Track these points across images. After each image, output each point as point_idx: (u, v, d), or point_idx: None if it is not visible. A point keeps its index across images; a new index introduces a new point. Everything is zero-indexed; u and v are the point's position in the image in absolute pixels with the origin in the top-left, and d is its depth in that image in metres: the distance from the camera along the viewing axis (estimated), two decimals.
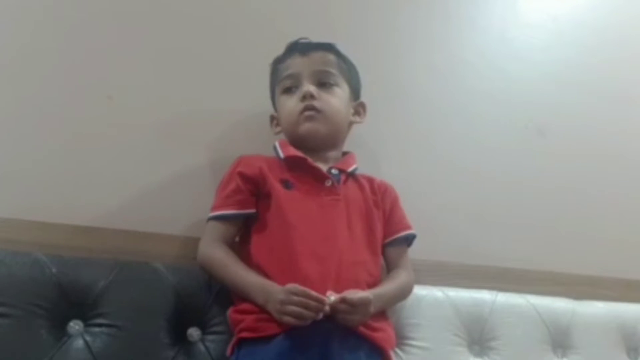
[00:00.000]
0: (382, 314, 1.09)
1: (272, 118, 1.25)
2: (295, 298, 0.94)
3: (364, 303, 0.99)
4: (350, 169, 1.18)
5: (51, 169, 1.19)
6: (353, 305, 0.97)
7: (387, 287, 1.12)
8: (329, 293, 0.98)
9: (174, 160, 1.26)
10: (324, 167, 1.15)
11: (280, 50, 1.23)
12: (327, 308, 0.96)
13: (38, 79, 1.21)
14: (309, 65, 1.18)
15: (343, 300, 0.97)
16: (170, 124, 1.27)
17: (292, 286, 0.96)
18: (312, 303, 0.94)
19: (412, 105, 1.47)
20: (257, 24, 1.35)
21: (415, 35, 1.50)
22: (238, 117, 1.31)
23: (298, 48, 1.20)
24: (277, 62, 1.23)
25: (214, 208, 1.12)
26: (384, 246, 1.19)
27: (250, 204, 1.11)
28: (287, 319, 0.95)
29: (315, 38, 1.23)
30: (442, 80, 1.50)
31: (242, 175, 1.11)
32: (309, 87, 1.15)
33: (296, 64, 1.18)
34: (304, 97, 1.15)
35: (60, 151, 1.20)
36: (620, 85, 1.66)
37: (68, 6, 1.25)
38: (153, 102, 1.27)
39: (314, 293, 0.95)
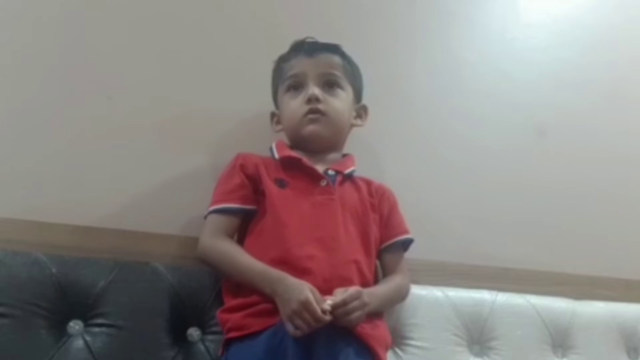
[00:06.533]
0: (375, 314, 1.08)
1: (273, 115, 1.25)
2: (306, 315, 0.94)
3: (354, 297, 0.98)
4: (347, 171, 1.18)
5: (51, 169, 1.19)
6: (346, 303, 0.97)
7: (381, 287, 1.12)
8: (327, 300, 0.97)
9: (174, 160, 1.26)
10: (321, 168, 1.15)
11: (279, 50, 1.24)
12: (327, 318, 0.96)
13: (38, 79, 1.21)
14: (315, 66, 1.17)
15: (336, 307, 0.96)
16: (170, 124, 1.27)
17: (307, 299, 0.95)
18: (313, 324, 0.94)
19: (412, 105, 1.47)
20: (257, 25, 1.35)
21: (415, 35, 1.50)
22: (238, 117, 1.31)
23: (304, 48, 1.20)
24: (282, 61, 1.22)
25: (215, 202, 1.11)
26: (381, 251, 1.18)
27: (251, 200, 1.11)
28: (290, 327, 0.95)
29: (315, 38, 1.23)
30: (442, 80, 1.50)
31: (244, 171, 1.12)
32: (315, 90, 1.15)
33: (302, 64, 1.18)
34: (309, 100, 1.15)
35: (60, 151, 1.20)
36: (621, 85, 1.66)
37: (68, 6, 1.25)
38: (153, 102, 1.27)
39: (319, 314, 0.95)
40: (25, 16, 1.22)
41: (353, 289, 0.99)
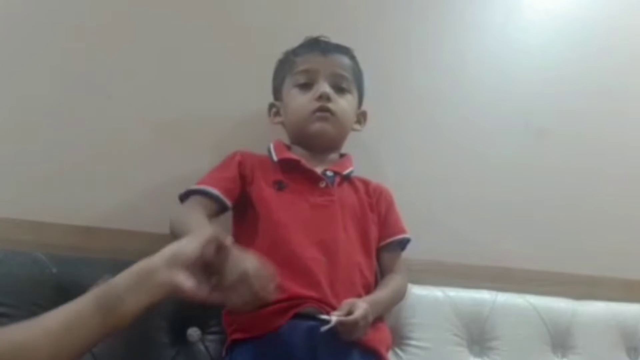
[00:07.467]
0: (377, 318, 1.07)
1: (272, 106, 1.23)
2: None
3: (363, 317, 0.97)
4: (345, 172, 1.17)
5: (51, 169, 1.19)
6: (357, 323, 0.96)
7: (382, 294, 1.11)
8: (333, 315, 0.97)
9: (174, 160, 1.26)
10: (319, 169, 1.15)
11: (279, 53, 1.23)
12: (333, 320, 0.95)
13: (38, 79, 1.21)
14: (328, 65, 1.17)
15: (344, 324, 0.95)
16: (170, 124, 1.27)
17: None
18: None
19: (412, 105, 1.46)
20: (257, 27, 1.35)
21: (414, 35, 1.49)
22: (238, 117, 1.31)
23: (320, 46, 1.20)
24: (294, 54, 1.21)
25: (200, 182, 1.09)
26: (378, 250, 1.18)
27: (233, 198, 1.09)
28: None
29: (328, 37, 1.23)
30: (441, 80, 1.50)
31: (240, 168, 1.12)
32: (327, 88, 1.15)
33: (316, 61, 1.18)
34: (320, 97, 1.14)
35: (60, 151, 1.20)
36: (622, 85, 1.66)
37: (68, 6, 1.25)
38: (153, 102, 1.27)
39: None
40: (25, 16, 1.22)
41: (361, 307, 0.98)
